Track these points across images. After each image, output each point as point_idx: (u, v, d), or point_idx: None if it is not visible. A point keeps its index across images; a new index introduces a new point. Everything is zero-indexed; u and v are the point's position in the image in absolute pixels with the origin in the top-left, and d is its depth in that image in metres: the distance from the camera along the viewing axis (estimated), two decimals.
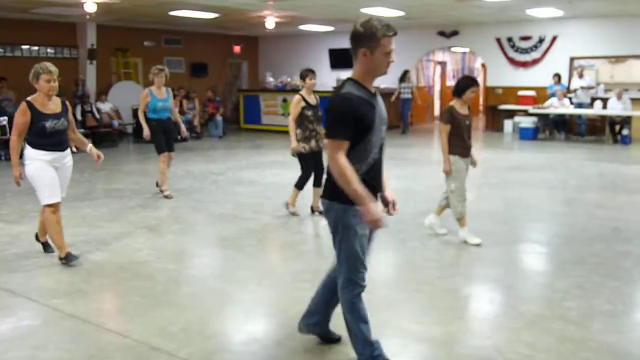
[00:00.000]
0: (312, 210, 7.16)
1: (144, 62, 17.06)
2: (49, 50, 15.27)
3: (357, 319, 3.27)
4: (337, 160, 2.95)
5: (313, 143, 6.74)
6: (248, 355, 3.65)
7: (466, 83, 5.73)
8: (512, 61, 16.14)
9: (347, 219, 3.09)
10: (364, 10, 13.22)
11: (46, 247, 5.68)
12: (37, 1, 11.55)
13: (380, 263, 5.73)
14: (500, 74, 16.42)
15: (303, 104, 6.68)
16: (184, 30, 17.81)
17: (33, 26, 14.58)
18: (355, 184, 2.93)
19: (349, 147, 2.99)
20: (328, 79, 17.95)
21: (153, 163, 11.47)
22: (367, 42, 2.97)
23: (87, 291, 4.71)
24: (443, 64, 21.67)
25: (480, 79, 22.82)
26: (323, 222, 6.91)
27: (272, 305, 4.47)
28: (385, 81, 17.26)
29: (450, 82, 21.85)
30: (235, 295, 4.64)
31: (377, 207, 3.00)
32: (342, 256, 3.20)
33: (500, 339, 3.81)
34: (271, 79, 17.96)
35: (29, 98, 5.13)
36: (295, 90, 16.73)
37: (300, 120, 6.69)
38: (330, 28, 17.47)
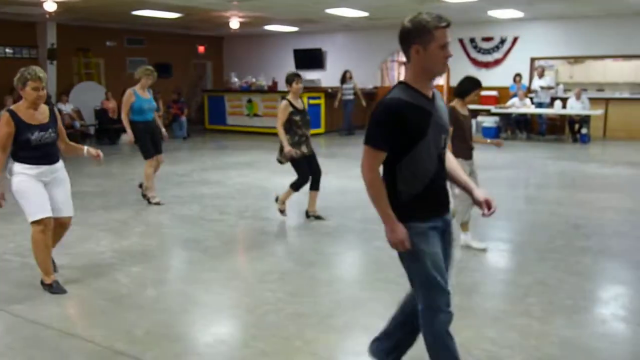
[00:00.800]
0: (307, 215, 6.93)
1: (106, 62, 16.80)
2: (7, 50, 14.95)
3: (440, 353, 2.89)
4: (368, 171, 2.70)
5: (304, 148, 6.63)
6: (214, 357, 3.63)
7: (472, 85, 5.59)
8: (475, 62, 16.39)
9: (411, 240, 2.72)
10: (328, 11, 13.28)
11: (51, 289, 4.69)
12: None
13: (347, 262, 5.76)
14: (463, 74, 16.51)
15: (290, 109, 6.54)
16: (147, 30, 17.61)
17: None
18: (382, 200, 2.69)
19: (396, 160, 2.70)
20: None
21: (116, 165, 11.32)
22: (418, 37, 2.67)
23: (48, 296, 4.60)
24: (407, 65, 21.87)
25: (443, 79, 23.12)
26: (289, 223, 6.92)
27: (237, 306, 4.45)
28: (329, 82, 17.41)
29: None
30: (201, 297, 4.60)
31: (401, 229, 2.69)
32: (416, 282, 2.86)
33: (465, 336, 3.86)
34: (236, 80, 17.87)
35: (12, 107, 4.54)
36: (260, 91, 16.76)
37: (289, 126, 6.54)
38: (294, 28, 17.48)
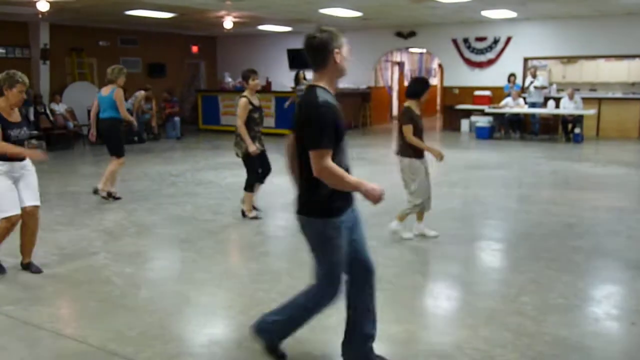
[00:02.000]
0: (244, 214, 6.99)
1: (99, 62, 16.73)
2: None
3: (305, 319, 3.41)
4: (327, 166, 2.93)
5: (257, 144, 6.70)
6: (208, 358, 3.62)
7: (424, 85, 5.85)
8: (468, 62, 16.42)
9: (328, 233, 3.12)
10: (322, 11, 13.27)
11: (29, 267, 5.19)
12: None
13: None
14: (457, 74, 16.69)
15: (250, 106, 6.56)
16: (141, 29, 17.56)
17: None
18: (348, 177, 2.99)
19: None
20: (286, 79, 17.95)
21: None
22: (336, 42, 3.00)
23: (41, 297, 4.59)
24: (401, 65, 21.90)
25: (437, 80, 23.17)
26: (282, 223, 6.92)
27: (231, 307, 4.45)
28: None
29: (408, 82, 22.10)
30: (195, 298, 4.59)
31: (374, 184, 3.02)
32: (324, 269, 3.24)
33: (459, 336, 3.87)
34: (229, 79, 17.83)
35: None
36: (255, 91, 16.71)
37: (247, 123, 6.58)
38: (288, 28, 17.47)
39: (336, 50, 2.99)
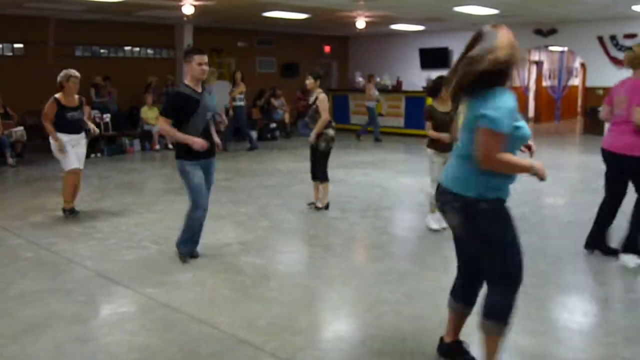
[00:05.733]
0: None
1: (237, 62, 17.52)
2: (149, 51, 15.99)
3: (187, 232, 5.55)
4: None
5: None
6: (333, 354, 3.66)
7: (437, 84, 6.15)
8: (615, 60, 15.28)
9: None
10: (456, 9, 12.98)
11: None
12: (139, 5, 12.13)
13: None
14: (601, 74, 15.59)
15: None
16: (276, 30, 18.14)
17: (135, 28, 15.32)
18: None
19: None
20: (418, 78, 17.76)
21: (245, 160, 11.77)
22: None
23: (180, 282, 4.89)
24: (539, 64, 20.86)
25: (579, 80, 21.82)
26: (409, 224, 6.86)
27: (357, 304, 4.47)
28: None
29: (546, 83, 21.00)
30: (322, 293, 4.67)
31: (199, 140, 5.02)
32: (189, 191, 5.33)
33: (596, 354, 3.62)
34: (360, 79, 17.95)
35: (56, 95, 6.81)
36: (385, 90, 16.71)
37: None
38: (420, 27, 17.26)
39: None
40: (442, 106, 6.07)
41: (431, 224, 6.40)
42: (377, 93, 15.47)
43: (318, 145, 7.27)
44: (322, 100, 7.22)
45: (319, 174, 7.37)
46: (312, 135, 7.29)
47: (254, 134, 14.19)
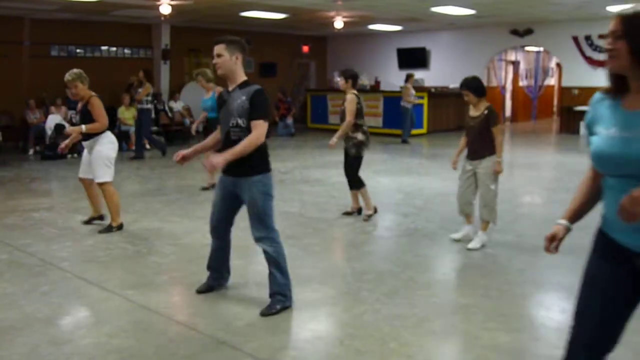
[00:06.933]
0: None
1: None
2: (125, 51, 15.86)
3: None
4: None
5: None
6: (311, 353, 3.66)
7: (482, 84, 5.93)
8: (590, 60, 15.52)
9: None
10: (434, 9, 13.08)
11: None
12: (116, 4, 12.02)
13: (446, 266, 5.65)
14: (577, 74, 15.83)
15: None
16: (254, 30, 18.11)
17: (112, 28, 15.18)
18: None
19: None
20: (396, 78, 17.85)
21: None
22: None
23: (158, 283, 4.86)
24: (516, 64, 21.10)
25: (555, 79, 22.12)
26: (387, 224, 6.89)
27: (335, 304, 4.48)
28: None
29: (523, 83, 21.24)
30: (300, 293, 4.66)
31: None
32: None
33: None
34: (339, 79, 17.98)
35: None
36: (363, 90, 16.74)
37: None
38: (398, 27, 17.36)
39: None
40: (473, 110, 5.76)
41: (453, 234, 6.06)
42: (414, 94, 14.65)
43: (348, 151, 6.97)
44: (349, 101, 6.86)
45: (351, 182, 6.98)
46: (334, 139, 6.86)
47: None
